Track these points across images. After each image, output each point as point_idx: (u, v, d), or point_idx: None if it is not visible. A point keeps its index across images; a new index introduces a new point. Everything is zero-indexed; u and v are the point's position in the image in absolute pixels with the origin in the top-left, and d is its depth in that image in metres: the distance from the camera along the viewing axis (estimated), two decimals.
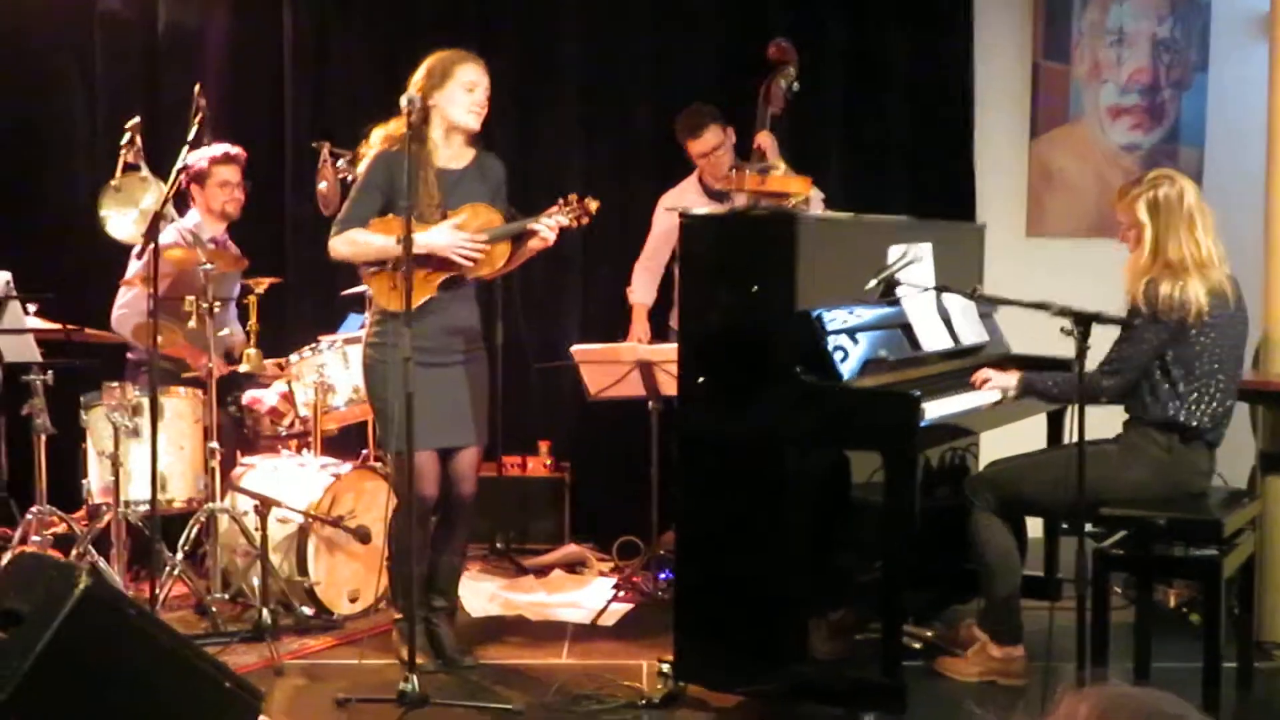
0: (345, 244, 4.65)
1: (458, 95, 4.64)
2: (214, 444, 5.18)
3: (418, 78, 4.65)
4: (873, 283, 4.35)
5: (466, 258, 4.60)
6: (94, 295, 5.87)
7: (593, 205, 4.72)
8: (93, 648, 3.73)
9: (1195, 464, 4.39)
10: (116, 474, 5.06)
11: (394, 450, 4.57)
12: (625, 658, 4.90)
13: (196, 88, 5.00)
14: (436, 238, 4.57)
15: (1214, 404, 4.34)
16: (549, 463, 6.58)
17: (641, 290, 6.27)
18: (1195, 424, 4.32)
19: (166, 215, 5.05)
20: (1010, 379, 4.51)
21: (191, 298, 5.16)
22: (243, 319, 5.69)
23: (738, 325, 4.22)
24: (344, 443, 6.02)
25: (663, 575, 5.67)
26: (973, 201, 6.77)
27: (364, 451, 5.82)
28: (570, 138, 6.79)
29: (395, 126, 4.59)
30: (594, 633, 5.27)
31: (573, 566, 6.20)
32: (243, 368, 5.49)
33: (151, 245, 4.76)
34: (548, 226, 4.65)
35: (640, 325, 6.23)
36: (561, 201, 4.73)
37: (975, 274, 5.20)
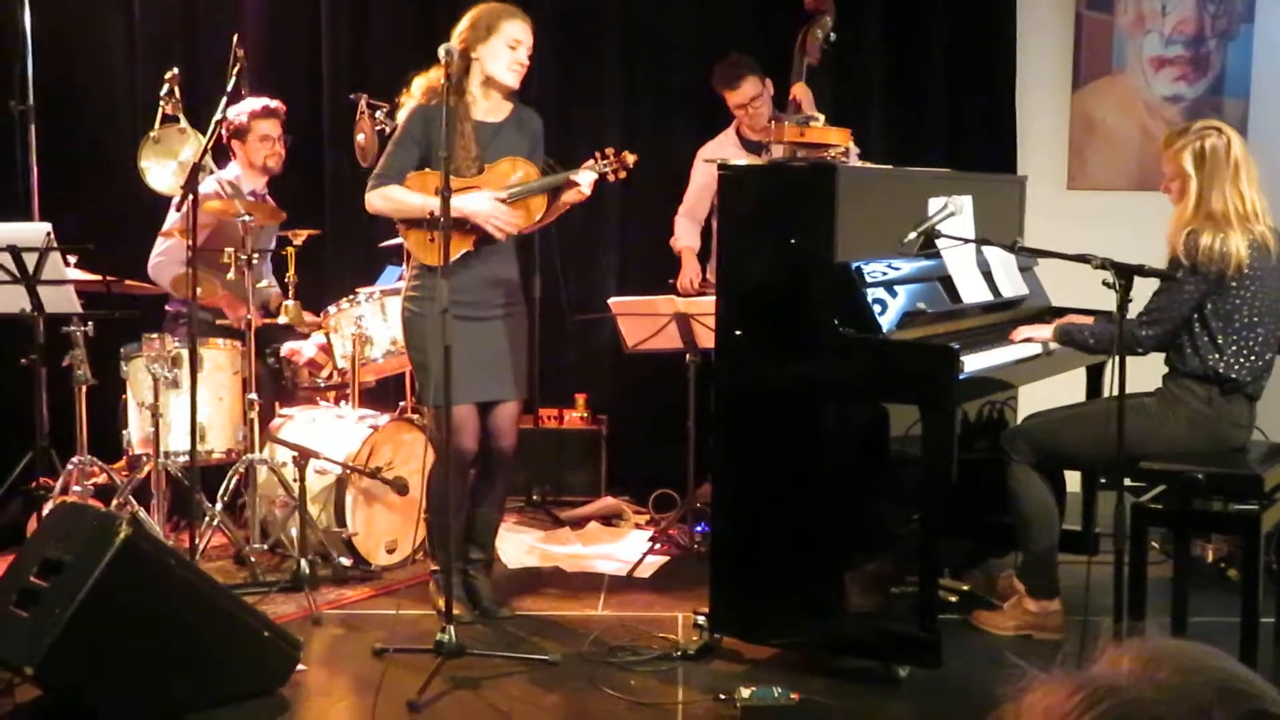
0: (381, 199, 4.64)
1: (501, 51, 4.60)
2: (253, 395, 5.21)
3: (461, 28, 4.61)
4: (912, 235, 4.31)
5: (499, 229, 4.59)
6: (134, 247, 5.89)
7: (630, 158, 4.70)
8: (133, 596, 3.78)
9: (1235, 417, 4.36)
10: (156, 425, 5.10)
11: (433, 404, 4.58)
12: (661, 610, 4.92)
13: (234, 39, 5.00)
14: (474, 204, 4.55)
15: (1254, 357, 4.30)
16: (585, 415, 6.59)
17: (686, 236, 6.21)
18: (1235, 376, 4.29)
19: (205, 167, 5.05)
20: (1046, 330, 4.50)
21: (230, 249, 5.18)
22: (281, 271, 5.70)
23: (776, 277, 4.20)
24: (382, 394, 6.04)
25: (699, 528, 5.68)
26: (1014, 153, 6.70)
27: (401, 403, 5.84)
28: (609, 88, 6.76)
29: (435, 76, 4.51)
30: (630, 585, 5.29)
31: (609, 519, 6.21)
32: (281, 319, 5.50)
33: (190, 197, 4.77)
34: (583, 181, 4.63)
35: (692, 267, 6.16)
36: (598, 154, 4.72)
37: (1016, 227, 5.16)
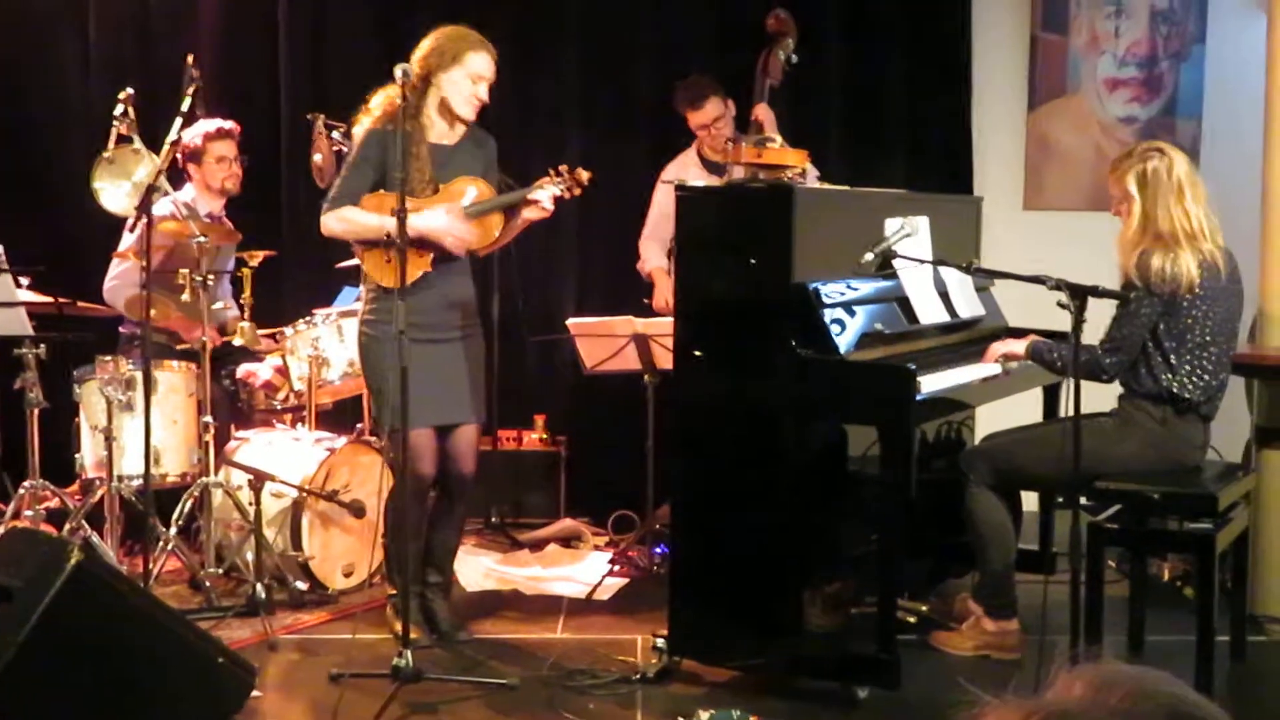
0: (337, 221, 4.61)
1: (461, 82, 4.57)
2: (208, 418, 5.16)
3: (423, 51, 4.58)
4: (869, 256, 4.34)
5: (458, 240, 4.57)
6: (87, 268, 5.85)
7: (584, 175, 4.68)
8: (84, 623, 3.73)
9: (1189, 437, 4.39)
10: (110, 448, 5.04)
11: (390, 427, 4.54)
12: (620, 632, 4.90)
13: (189, 59, 4.96)
14: (432, 220, 4.53)
15: (1207, 376, 4.33)
16: (544, 437, 6.57)
17: (655, 257, 6.11)
18: (1189, 396, 4.31)
19: (160, 188, 5.02)
20: (1019, 345, 4.50)
21: (185, 270, 5.14)
22: (237, 293, 5.67)
23: (734, 298, 4.21)
24: (338, 417, 6.00)
25: (658, 550, 5.67)
26: (970, 174, 6.74)
27: (358, 425, 5.81)
28: (569, 107, 6.75)
29: (395, 95, 4.44)
30: (589, 607, 5.27)
31: (568, 541, 6.18)
32: (236, 341, 5.47)
33: (144, 218, 4.74)
34: (544, 197, 4.61)
35: (667, 287, 5.94)
36: (553, 172, 4.70)
37: (972, 247, 5.18)
